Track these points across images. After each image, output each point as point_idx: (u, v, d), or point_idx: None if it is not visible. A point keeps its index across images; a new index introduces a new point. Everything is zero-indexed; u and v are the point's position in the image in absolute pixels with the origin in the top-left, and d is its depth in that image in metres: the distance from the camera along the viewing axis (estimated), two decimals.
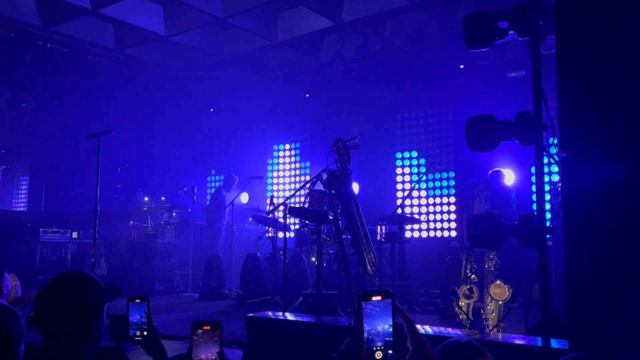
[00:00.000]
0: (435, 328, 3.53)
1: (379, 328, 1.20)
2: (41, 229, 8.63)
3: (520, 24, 3.38)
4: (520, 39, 3.44)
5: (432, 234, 8.25)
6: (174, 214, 8.79)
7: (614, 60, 2.41)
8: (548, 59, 3.40)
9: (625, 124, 2.38)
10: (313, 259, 5.27)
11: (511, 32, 3.48)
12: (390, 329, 1.20)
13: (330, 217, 4.61)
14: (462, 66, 8.00)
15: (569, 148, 2.58)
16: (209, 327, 1.57)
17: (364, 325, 1.19)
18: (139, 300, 2.07)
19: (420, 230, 8.32)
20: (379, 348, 1.19)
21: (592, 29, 2.48)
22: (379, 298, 1.21)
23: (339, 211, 4.64)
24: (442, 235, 8.13)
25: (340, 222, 4.51)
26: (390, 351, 1.19)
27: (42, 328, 1.60)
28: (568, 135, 2.59)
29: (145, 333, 2.03)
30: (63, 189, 9.75)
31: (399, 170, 8.67)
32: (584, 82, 2.51)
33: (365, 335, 1.19)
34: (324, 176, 4.59)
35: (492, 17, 3.43)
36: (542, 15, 3.36)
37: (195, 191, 8.18)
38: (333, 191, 4.32)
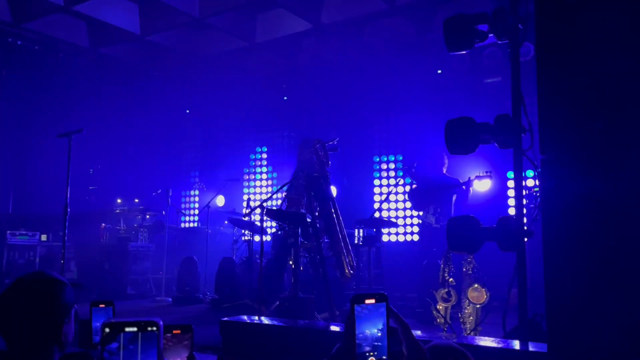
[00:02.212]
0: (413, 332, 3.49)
1: (367, 332, 1.15)
2: (8, 231, 8.35)
3: (499, 26, 3.38)
4: (499, 42, 3.44)
5: (408, 237, 8.25)
6: (148, 216, 8.62)
7: (596, 61, 2.42)
8: (523, 66, 3.43)
9: (605, 126, 2.38)
10: (290, 262, 5.20)
11: (490, 35, 3.49)
12: (380, 334, 1.16)
13: (308, 220, 4.55)
14: (439, 71, 8.06)
15: (549, 150, 2.58)
16: (178, 331, 1.51)
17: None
18: (103, 305, 1.98)
19: (397, 234, 8.32)
20: (370, 354, 1.14)
21: (574, 27, 2.48)
22: (372, 301, 1.17)
23: (317, 214, 4.59)
24: (420, 239, 8.14)
25: (318, 224, 4.45)
26: (384, 357, 1.15)
27: (5, 333, 1.51)
28: (548, 137, 2.58)
29: None
30: (32, 190, 9.47)
31: (376, 174, 8.67)
32: (565, 82, 2.51)
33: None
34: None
35: (472, 20, 3.43)
36: (522, 19, 3.38)
37: (170, 193, 8.03)
38: (312, 193, 4.26)
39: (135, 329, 1.17)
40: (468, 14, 3.45)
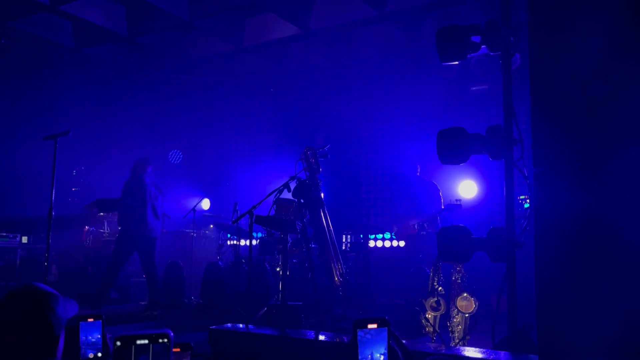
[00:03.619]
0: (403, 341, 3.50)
1: (373, 355, 1.18)
2: None
3: (492, 38, 3.40)
4: (492, 54, 3.46)
5: (395, 243, 8.26)
6: None
7: (590, 75, 2.44)
8: (512, 74, 3.46)
9: (598, 140, 2.42)
10: (278, 269, 5.18)
11: (483, 46, 3.51)
12: (382, 357, 1.19)
13: (298, 227, 4.54)
14: (427, 77, 8.11)
15: (542, 163, 2.60)
16: (178, 349, 1.48)
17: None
18: (92, 319, 1.92)
19: (383, 239, 8.33)
20: None
21: (568, 40, 2.51)
22: (374, 326, 1.20)
23: (306, 220, 4.58)
24: (405, 245, 8.16)
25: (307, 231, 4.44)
26: None
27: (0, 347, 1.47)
28: (541, 150, 2.60)
29: (99, 355, 1.89)
30: (12, 191, 9.29)
31: (364, 179, 8.69)
32: (558, 95, 2.54)
33: None
34: (292, 185, 4.52)
35: (464, 31, 3.45)
36: (513, 30, 3.41)
37: None
38: (302, 200, 4.25)
39: (146, 341, 1.18)
40: (461, 25, 3.47)
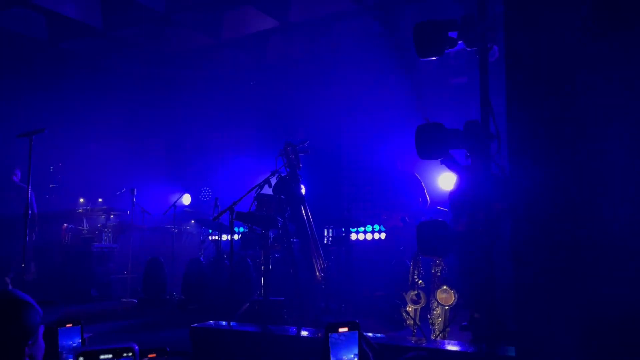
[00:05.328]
0: (382, 335, 3.55)
1: (344, 358, 1.22)
2: None
3: (468, 34, 3.42)
4: (469, 49, 3.48)
5: (376, 236, 8.31)
6: (112, 216, 8.43)
7: (563, 70, 2.48)
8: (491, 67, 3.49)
9: (573, 132, 2.46)
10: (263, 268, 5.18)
11: (460, 42, 3.53)
12: (354, 358, 1.24)
13: (279, 222, 4.54)
14: (406, 70, 8.13)
15: (517, 157, 2.64)
16: (154, 355, 1.48)
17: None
18: (70, 325, 1.89)
19: (365, 232, 8.37)
20: None
21: (542, 37, 2.54)
22: (345, 329, 1.24)
23: (287, 216, 4.58)
24: (386, 238, 8.20)
25: (288, 226, 4.44)
26: None
27: None
28: (516, 144, 2.64)
29: None
30: None
31: (345, 173, 8.70)
32: (533, 91, 2.57)
33: None
34: (272, 180, 4.51)
35: (442, 27, 3.45)
36: (490, 26, 3.43)
37: (135, 193, 7.87)
38: (282, 196, 4.25)
39: (110, 355, 1.16)
40: (438, 20, 3.48)
